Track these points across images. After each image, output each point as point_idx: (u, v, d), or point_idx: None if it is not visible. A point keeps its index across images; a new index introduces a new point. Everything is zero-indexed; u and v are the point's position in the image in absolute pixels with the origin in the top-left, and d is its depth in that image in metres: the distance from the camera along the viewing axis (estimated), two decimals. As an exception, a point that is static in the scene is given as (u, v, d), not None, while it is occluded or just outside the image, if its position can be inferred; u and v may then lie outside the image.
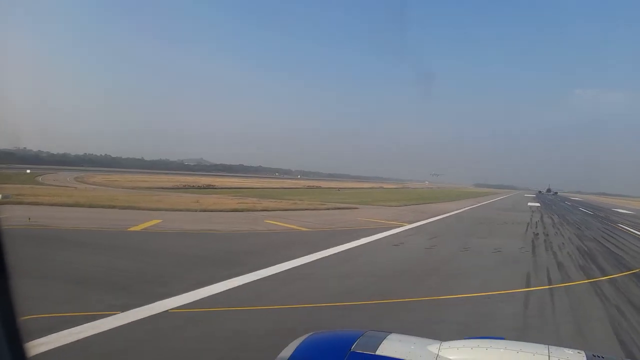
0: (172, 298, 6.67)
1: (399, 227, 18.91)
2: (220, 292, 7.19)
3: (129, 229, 14.33)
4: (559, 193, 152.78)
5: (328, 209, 27.08)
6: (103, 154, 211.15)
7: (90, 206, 21.38)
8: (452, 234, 17.76)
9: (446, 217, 25.30)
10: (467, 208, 35.97)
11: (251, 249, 11.63)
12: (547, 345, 1.82)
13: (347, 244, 12.89)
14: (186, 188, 53.55)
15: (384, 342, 1.99)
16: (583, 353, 1.79)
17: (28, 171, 69.33)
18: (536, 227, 22.86)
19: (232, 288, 7.47)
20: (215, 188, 57.86)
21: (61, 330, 5.11)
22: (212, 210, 22.12)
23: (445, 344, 1.95)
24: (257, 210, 23.49)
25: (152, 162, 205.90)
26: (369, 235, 14.99)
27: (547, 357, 1.72)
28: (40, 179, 57.42)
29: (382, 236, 15.11)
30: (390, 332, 2.15)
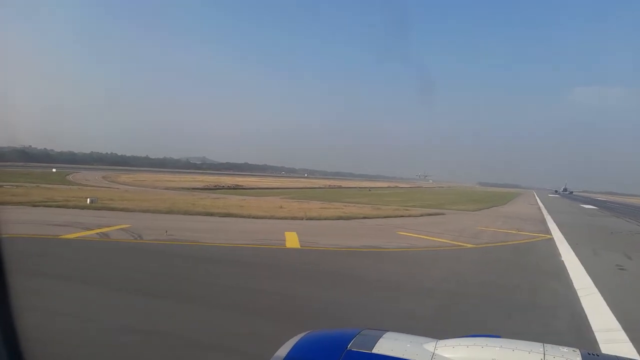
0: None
1: (545, 239, 17.12)
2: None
3: (287, 247, 12.44)
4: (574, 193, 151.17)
5: (422, 215, 25.23)
6: (109, 152, 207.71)
7: (186, 213, 19.49)
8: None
9: (562, 225, 23.12)
10: (543, 212, 34.12)
11: (493, 279, 9.63)
12: (542, 344, 1.80)
13: (578, 268, 10.89)
14: (217, 188, 51.84)
15: (381, 340, 1.97)
16: (578, 351, 1.76)
17: (54, 170, 67.12)
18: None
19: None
20: (245, 188, 56.17)
21: None
22: (317, 219, 20.21)
23: (442, 342, 1.93)
24: (359, 218, 21.61)
25: (159, 160, 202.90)
26: (559, 255, 13.15)
27: (542, 355, 1.71)
28: (70, 178, 55.41)
29: (573, 256, 13.02)
30: (387, 331, 2.13)
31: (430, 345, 1.93)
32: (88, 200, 20.97)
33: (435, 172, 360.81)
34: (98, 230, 13.38)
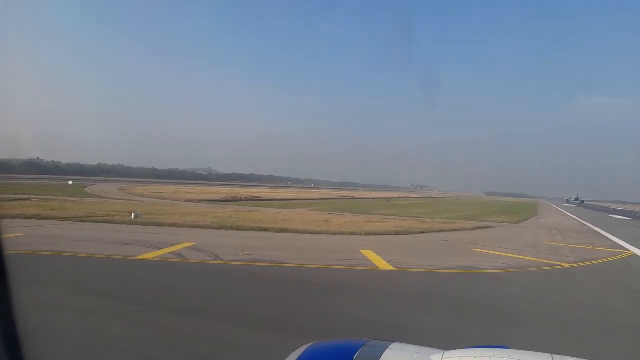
0: None
1: (629, 255, 16.04)
2: None
3: (380, 268, 11.41)
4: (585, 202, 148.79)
5: (473, 228, 24.14)
6: (116, 164, 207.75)
7: (239, 229, 18.52)
8: None
9: (625, 239, 21.61)
10: (586, 224, 32.92)
11: None
12: (551, 354, 1.75)
13: None
14: (235, 200, 51.21)
15: (387, 351, 1.96)
16: None
17: (70, 182, 66.41)
18: None
19: None
20: (263, 200, 55.47)
21: None
22: (374, 234, 19.17)
23: (448, 354, 1.89)
24: (415, 233, 20.57)
25: (167, 171, 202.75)
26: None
27: None
28: (88, 190, 54.72)
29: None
30: (393, 342, 2.09)
31: (437, 356, 1.89)
32: (132, 215, 20.07)
33: (433, 182, 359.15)
34: (168, 250, 12.44)
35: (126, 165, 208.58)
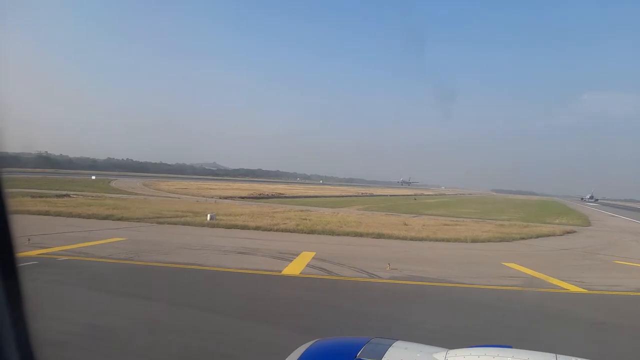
0: None
1: None
2: None
3: (570, 290, 9.53)
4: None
5: (563, 233, 22.16)
6: (124, 158, 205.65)
7: (333, 234, 16.75)
8: None
9: None
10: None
11: None
12: (555, 355, 1.74)
13: None
14: (262, 197, 49.52)
15: (390, 349, 1.94)
16: None
17: (93, 177, 64.68)
18: None
19: None
20: (288, 197, 53.73)
21: None
22: (479, 241, 17.25)
23: (452, 352, 1.88)
24: (516, 239, 18.56)
25: (177, 166, 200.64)
26: None
27: None
28: (114, 185, 53.02)
29: None
30: (396, 340, 2.07)
31: (440, 354, 1.87)
32: (208, 216, 18.22)
33: (426, 178, 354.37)
34: (299, 262, 10.63)
35: (134, 160, 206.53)
